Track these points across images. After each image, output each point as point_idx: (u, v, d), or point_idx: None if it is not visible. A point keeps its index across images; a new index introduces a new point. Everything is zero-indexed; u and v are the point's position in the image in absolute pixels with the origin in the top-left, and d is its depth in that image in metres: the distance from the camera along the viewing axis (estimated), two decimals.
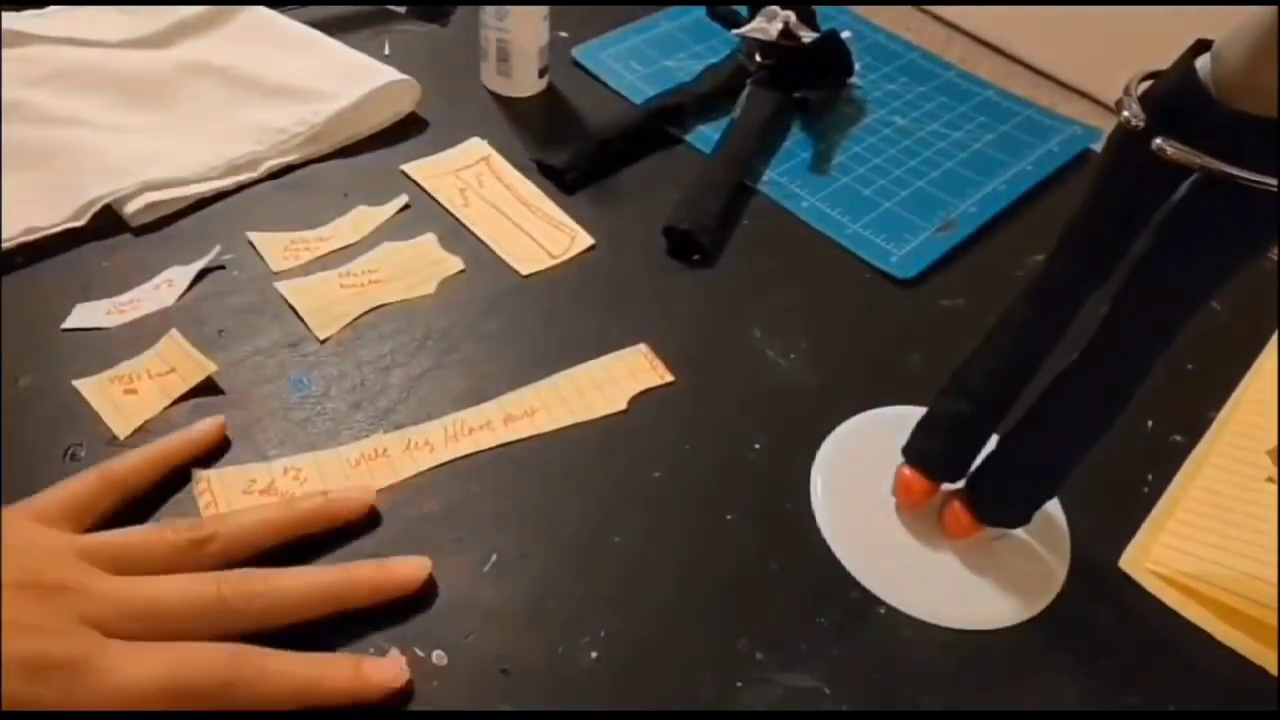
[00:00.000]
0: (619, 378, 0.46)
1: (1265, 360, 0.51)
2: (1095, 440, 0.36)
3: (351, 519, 0.38)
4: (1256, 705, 0.38)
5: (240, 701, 0.31)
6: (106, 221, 0.50)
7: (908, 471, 0.41)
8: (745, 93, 0.62)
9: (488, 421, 0.43)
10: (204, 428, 0.40)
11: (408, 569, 0.37)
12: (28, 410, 0.41)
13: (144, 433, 0.41)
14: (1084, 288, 0.34)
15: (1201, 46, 0.29)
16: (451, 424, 0.43)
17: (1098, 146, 0.64)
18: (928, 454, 0.40)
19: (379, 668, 0.34)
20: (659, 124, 0.61)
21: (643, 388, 0.46)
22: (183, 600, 0.32)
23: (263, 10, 0.63)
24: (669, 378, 0.46)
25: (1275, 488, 0.44)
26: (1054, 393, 0.36)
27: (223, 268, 0.49)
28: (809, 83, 0.63)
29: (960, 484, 0.40)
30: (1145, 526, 0.43)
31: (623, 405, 0.45)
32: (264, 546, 0.36)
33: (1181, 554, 0.41)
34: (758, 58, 0.63)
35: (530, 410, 0.44)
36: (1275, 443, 0.46)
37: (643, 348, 0.47)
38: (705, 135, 0.61)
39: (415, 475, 0.41)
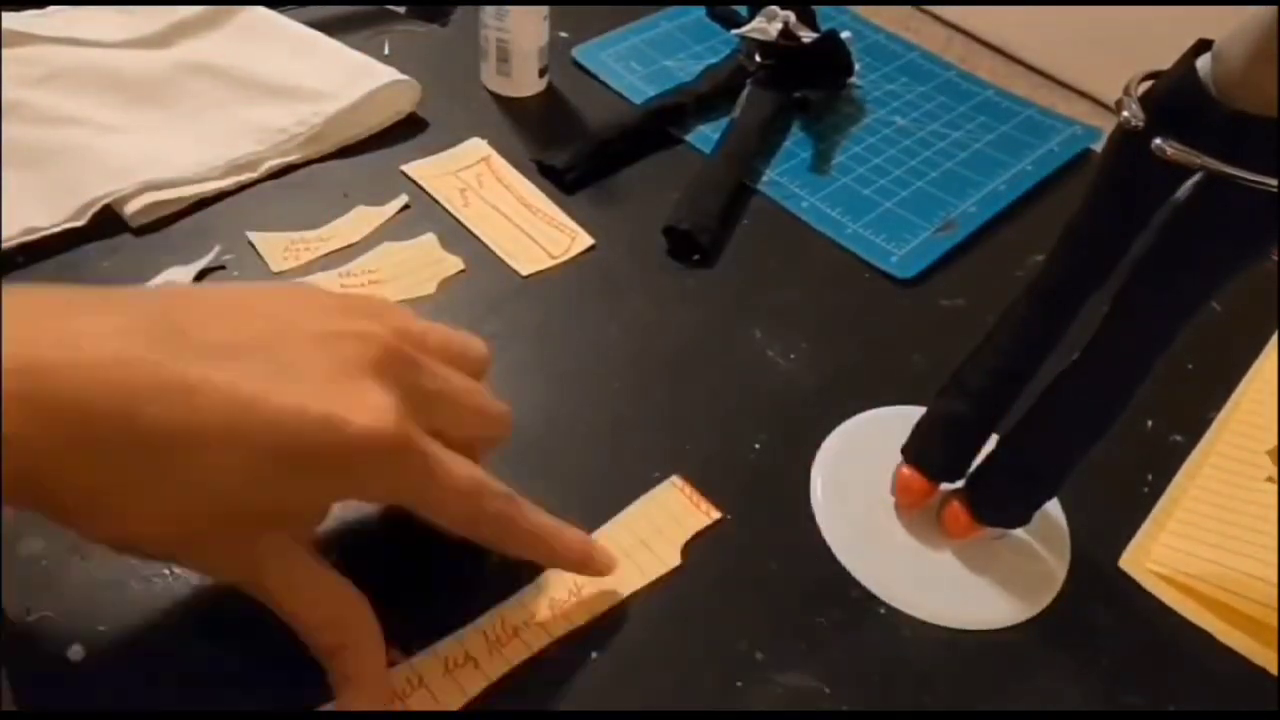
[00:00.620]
0: (663, 526, 0.40)
1: (1265, 360, 0.51)
2: (1095, 441, 0.36)
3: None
4: (1256, 705, 0.38)
5: (493, 531, 0.33)
6: (106, 221, 0.50)
7: (906, 471, 0.41)
8: (745, 93, 0.62)
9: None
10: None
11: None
12: None
13: None
14: (1084, 287, 0.34)
15: (1202, 46, 0.29)
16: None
17: (1098, 146, 0.64)
18: (927, 454, 0.40)
19: (603, 554, 0.36)
20: (659, 124, 0.61)
21: (690, 534, 0.40)
22: (471, 405, 0.34)
23: (262, 10, 0.63)
24: (715, 515, 0.41)
25: (1275, 488, 0.44)
26: (1054, 393, 0.36)
27: (223, 268, 0.49)
28: (809, 83, 0.64)
29: (960, 484, 0.40)
30: (1145, 526, 0.43)
31: (677, 560, 0.39)
32: None
33: (1181, 554, 0.41)
34: (758, 58, 0.63)
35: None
36: (1275, 443, 0.46)
37: (676, 480, 0.42)
38: (705, 135, 0.61)
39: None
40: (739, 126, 0.60)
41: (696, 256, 0.53)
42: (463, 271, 0.51)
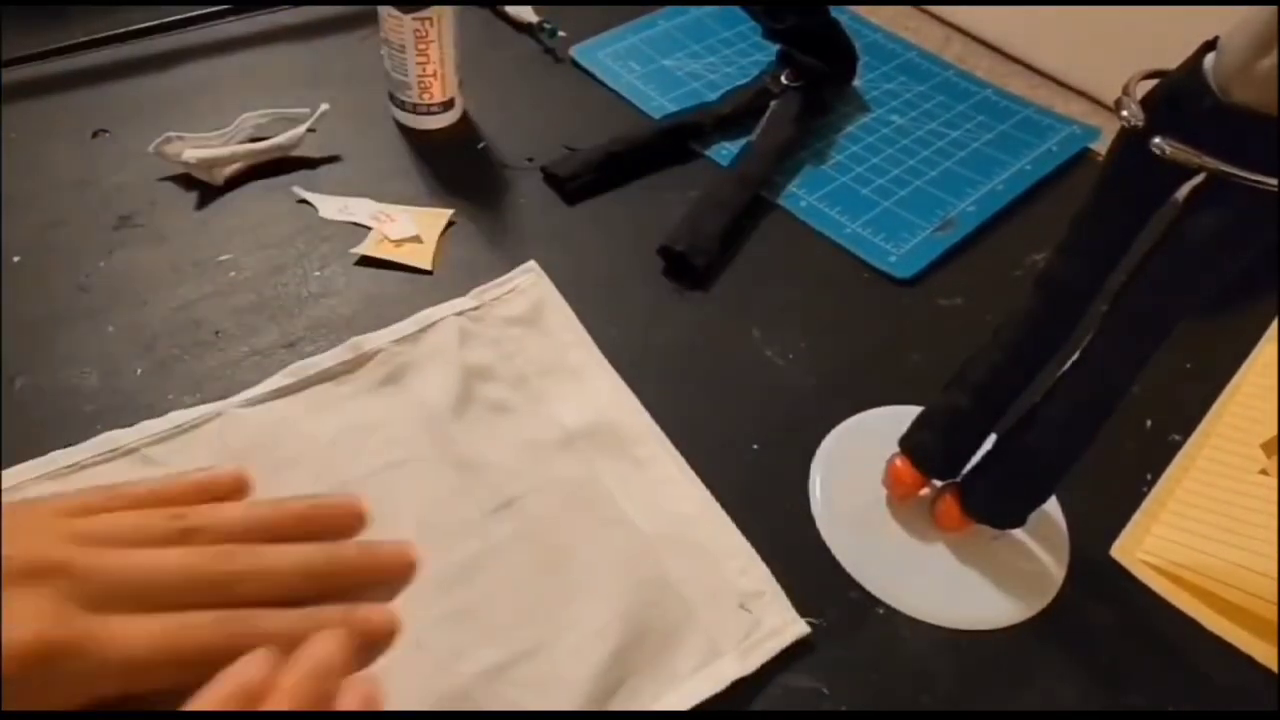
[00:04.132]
0: None
1: (1260, 353, 0.51)
2: (1089, 441, 0.36)
3: (343, 528, 0.37)
4: (1256, 705, 0.38)
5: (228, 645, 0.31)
6: (104, 221, 0.50)
7: (899, 462, 0.41)
8: (767, 115, 0.60)
9: None
10: (223, 473, 0.38)
11: (392, 550, 0.37)
12: (25, 411, 0.41)
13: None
14: (1089, 284, 0.34)
15: (1210, 47, 0.29)
16: None
17: (1096, 146, 0.64)
18: (922, 446, 0.40)
19: (371, 612, 0.34)
20: (673, 141, 0.60)
21: None
22: (173, 573, 0.32)
23: None
24: None
25: (1268, 480, 0.44)
26: (1052, 393, 0.36)
27: (225, 265, 0.49)
28: (821, 67, 0.62)
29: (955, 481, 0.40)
30: (1137, 518, 0.43)
31: None
32: (250, 541, 0.35)
33: (1174, 545, 0.42)
34: (784, 80, 0.62)
35: None
36: (1269, 435, 0.45)
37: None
38: (726, 151, 0.60)
39: None
40: (756, 149, 0.58)
41: (692, 278, 0.52)
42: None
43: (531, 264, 0.50)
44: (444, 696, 0.33)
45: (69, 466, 0.38)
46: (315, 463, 0.40)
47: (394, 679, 0.33)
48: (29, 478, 0.38)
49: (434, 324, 0.46)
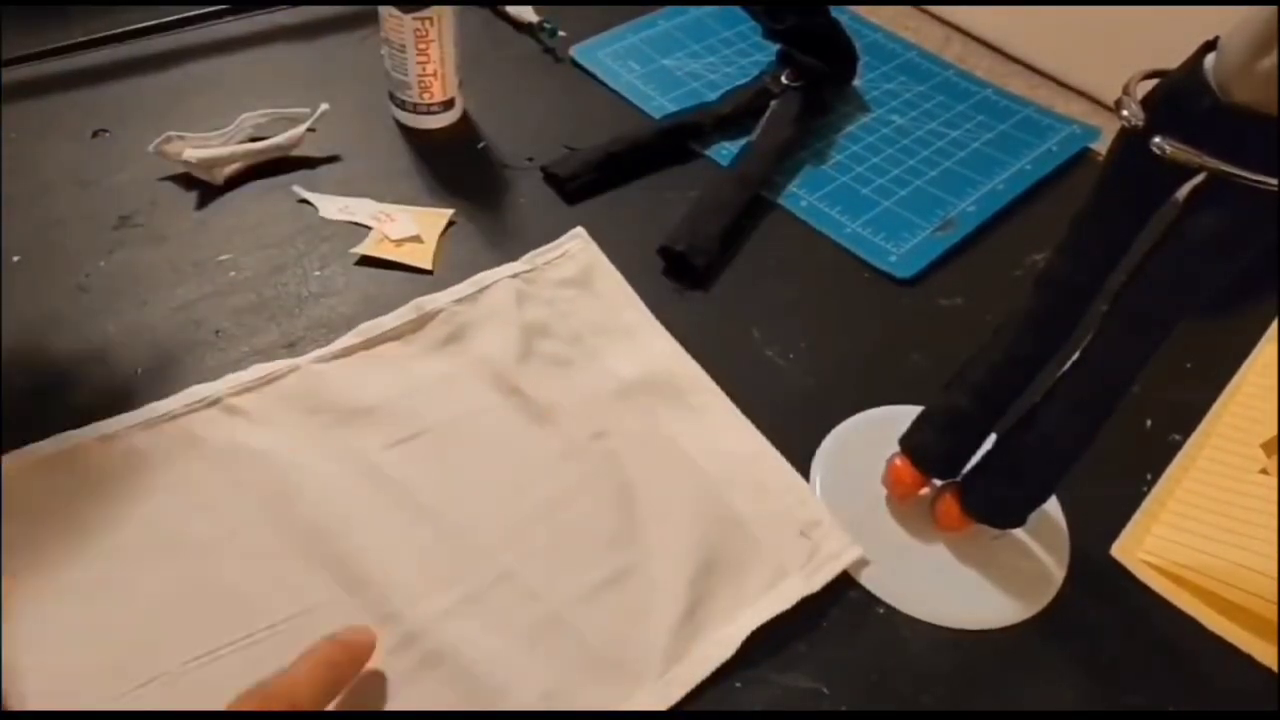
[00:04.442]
0: None
1: (1260, 353, 0.51)
2: (1090, 439, 0.36)
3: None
4: (1256, 705, 0.38)
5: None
6: (104, 221, 0.50)
7: (899, 462, 0.41)
8: (767, 115, 0.60)
9: None
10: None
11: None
12: (25, 410, 0.41)
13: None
14: (1088, 283, 0.34)
15: (1211, 47, 0.29)
16: None
17: (1096, 145, 0.64)
18: (922, 445, 0.40)
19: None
20: (674, 141, 0.60)
21: None
22: None
23: None
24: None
25: (1268, 480, 0.44)
26: (1052, 393, 0.36)
27: (225, 264, 0.49)
28: (821, 67, 0.62)
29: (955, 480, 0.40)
30: (1137, 518, 0.43)
31: None
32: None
33: (1174, 545, 0.42)
34: (784, 80, 0.62)
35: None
36: (1269, 435, 0.45)
37: None
38: (726, 150, 0.60)
39: None
40: (756, 149, 0.58)
41: (692, 278, 0.52)
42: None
43: (579, 230, 0.52)
44: (536, 622, 0.36)
45: (162, 416, 0.41)
46: (394, 412, 0.42)
47: (482, 612, 0.36)
48: (127, 425, 0.40)
49: (490, 285, 0.48)
